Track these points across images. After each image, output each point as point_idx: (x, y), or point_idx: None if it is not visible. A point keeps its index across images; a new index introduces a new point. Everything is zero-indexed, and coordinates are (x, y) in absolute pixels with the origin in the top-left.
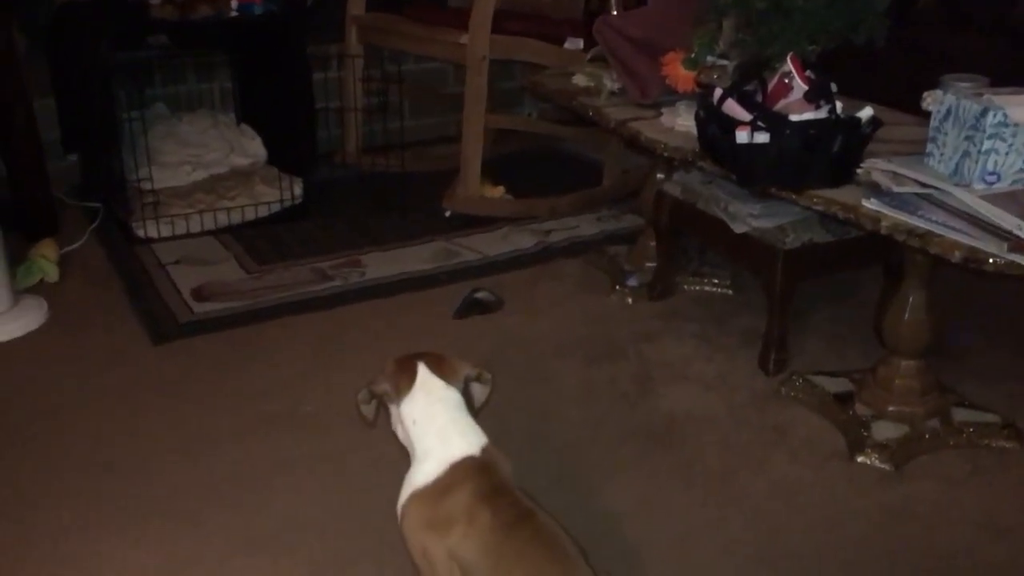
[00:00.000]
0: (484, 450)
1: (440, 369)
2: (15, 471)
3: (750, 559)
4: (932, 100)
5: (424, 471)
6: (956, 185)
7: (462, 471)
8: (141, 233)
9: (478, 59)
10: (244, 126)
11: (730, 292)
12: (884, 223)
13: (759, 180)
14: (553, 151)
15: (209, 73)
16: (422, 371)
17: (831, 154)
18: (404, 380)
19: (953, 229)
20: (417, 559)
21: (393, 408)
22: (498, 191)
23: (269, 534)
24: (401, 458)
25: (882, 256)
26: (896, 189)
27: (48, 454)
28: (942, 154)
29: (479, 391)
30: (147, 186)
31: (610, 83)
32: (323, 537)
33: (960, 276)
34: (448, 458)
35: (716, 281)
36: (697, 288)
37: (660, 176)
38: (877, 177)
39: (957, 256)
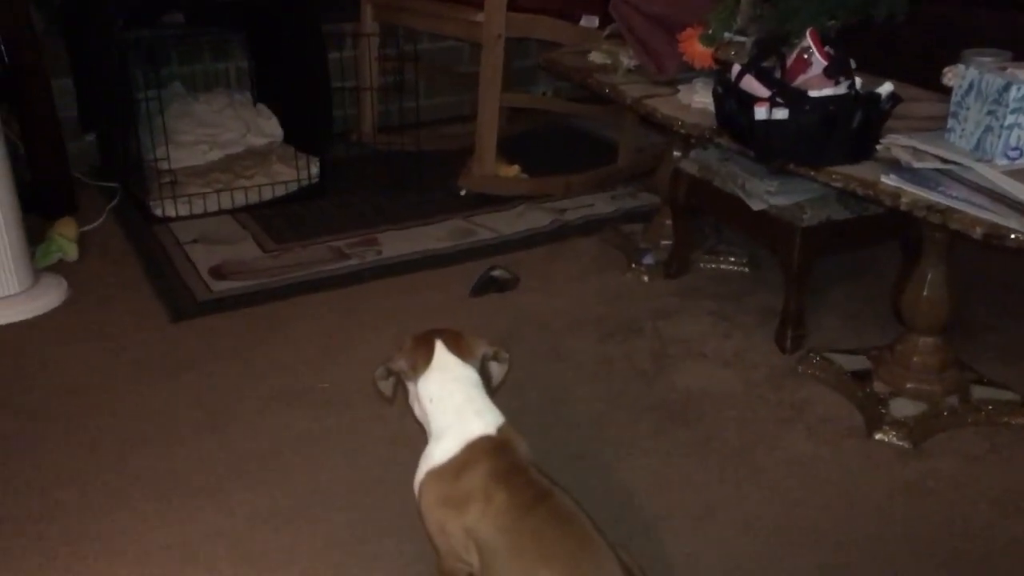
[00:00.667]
0: (500, 429)
1: (457, 347)
2: (38, 447)
3: (767, 535)
4: (953, 75)
5: (441, 449)
6: (978, 160)
7: (478, 450)
8: (159, 212)
9: (493, 37)
10: (260, 106)
11: (746, 270)
12: (904, 199)
13: (777, 156)
14: (568, 130)
15: (225, 52)
16: (439, 349)
17: (850, 130)
18: (421, 358)
19: (974, 205)
20: (434, 536)
21: (410, 385)
22: (513, 170)
23: (290, 508)
24: (419, 433)
25: (900, 233)
26: (916, 165)
27: (70, 431)
28: (963, 129)
29: (496, 369)
30: (164, 165)
31: (627, 60)
32: (344, 511)
33: (979, 252)
34: (465, 437)
35: (732, 259)
36: (713, 266)
37: (677, 154)
38: (897, 153)
39: (978, 232)
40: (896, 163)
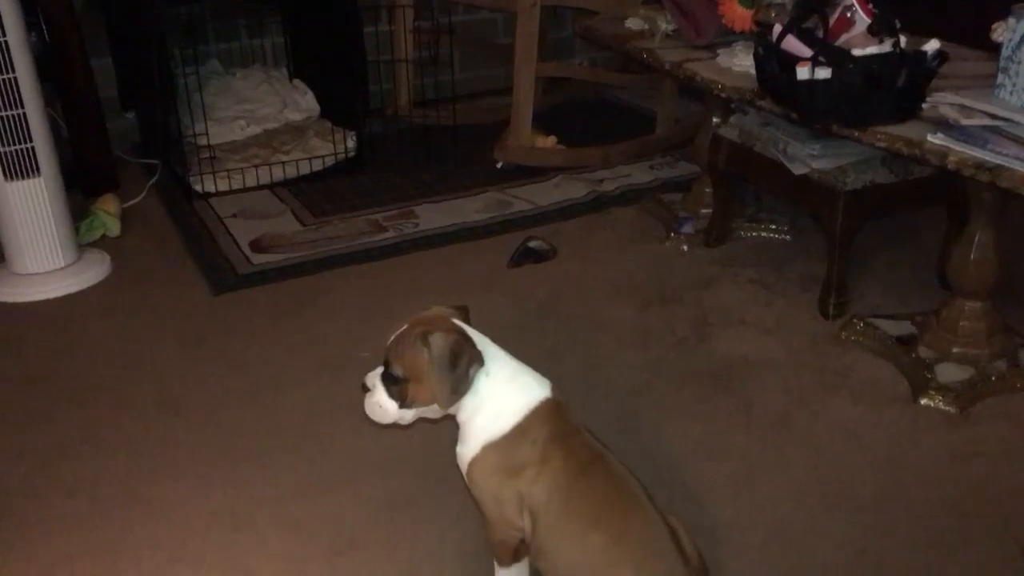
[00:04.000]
0: (554, 389)
1: (467, 321)
2: (85, 417)
3: (812, 500)
4: (1003, 30)
5: (499, 420)
6: None
7: (541, 415)
8: (199, 188)
9: (528, 6)
10: (297, 81)
11: (788, 237)
12: (951, 158)
13: (820, 117)
14: (605, 100)
15: (261, 29)
16: (464, 327)
17: (895, 89)
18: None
19: None
20: (487, 505)
21: None
22: (550, 141)
23: (334, 476)
24: None
25: (945, 196)
26: (964, 122)
27: (116, 400)
28: (1015, 85)
29: None
30: (203, 141)
31: (664, 25)
32: (385, 478)
33: None
34: (528, 402)
35: (773, 227)
36: (754, 234)
37: (716, 120)
38: (944, 111)
39: None
40: (943, 122)
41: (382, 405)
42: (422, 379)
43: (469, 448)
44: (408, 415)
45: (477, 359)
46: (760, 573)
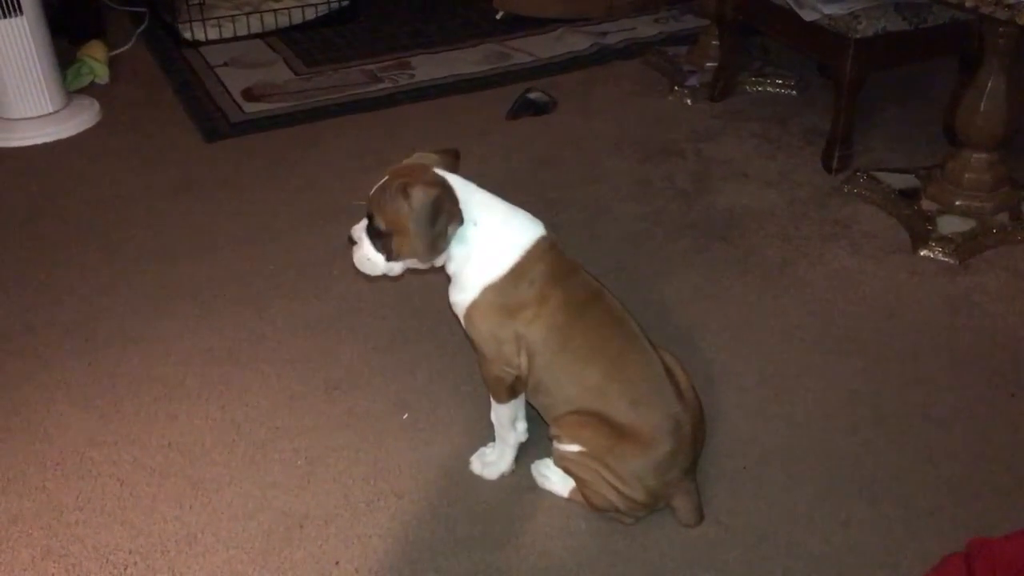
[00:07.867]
0: (547, 229)
1: (452, 167)
2: (81, 257)
3: (806, 344)
4: None
5: (496, 264)
6: None
7: (537, 254)
8: (188, 36)
9: None
10: None
11: (794, 92)
12: None
13: None
14: None
15: None
16: (449, 176)
17: None
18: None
19: None
20: (485, 343)
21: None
22: None
23: (331, 316)
24: None
25: (958, 46)
26: None
27: (111, 243)
28: None
29: None
30: None
31: None
32: (380, 319)
33: None
34: (524, 243)
35: (780, 81)
36: (760, 89)
37: None
38: None
39: None
40: None
41: (369, 258)
42: (404, 232)
43: (468, 293)
44: (396, 267)
45: (456, 217)
46: (754, 412)
